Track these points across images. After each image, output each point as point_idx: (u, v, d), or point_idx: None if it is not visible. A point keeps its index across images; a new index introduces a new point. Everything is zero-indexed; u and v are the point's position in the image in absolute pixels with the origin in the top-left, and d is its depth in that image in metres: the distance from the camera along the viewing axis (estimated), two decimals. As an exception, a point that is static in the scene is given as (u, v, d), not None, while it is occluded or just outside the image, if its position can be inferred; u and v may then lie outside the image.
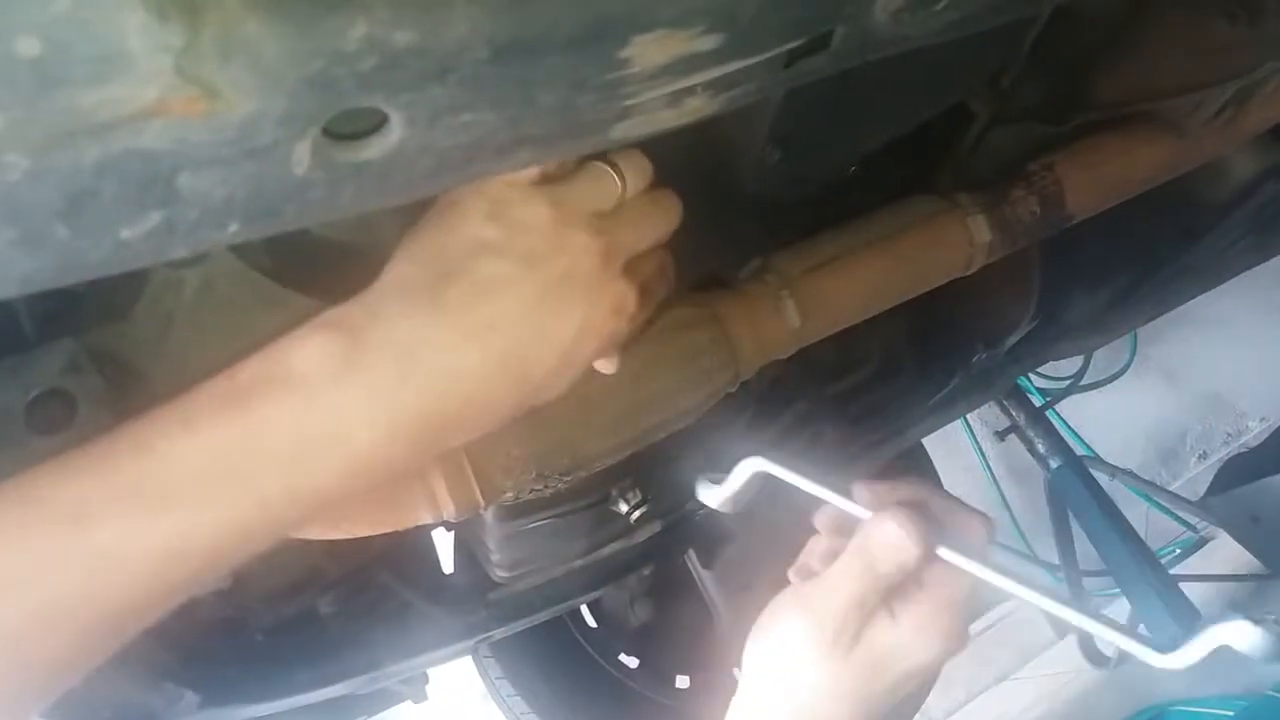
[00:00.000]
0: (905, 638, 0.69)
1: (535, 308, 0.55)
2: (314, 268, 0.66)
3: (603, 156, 0.60)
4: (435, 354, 0.53)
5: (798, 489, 0.73)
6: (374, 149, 0.41)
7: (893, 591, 0.70)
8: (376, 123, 0.40)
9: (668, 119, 0.49)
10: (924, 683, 0.73)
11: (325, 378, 0.51)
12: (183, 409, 0.49)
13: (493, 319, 0.54)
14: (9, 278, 0.40)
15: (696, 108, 0.49)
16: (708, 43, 0.44)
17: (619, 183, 0.60)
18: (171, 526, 0.47)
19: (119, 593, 0.46)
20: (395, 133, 0.41)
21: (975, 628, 3.14)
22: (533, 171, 0.56)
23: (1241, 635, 0.60)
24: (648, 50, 0.43)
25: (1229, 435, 3.20)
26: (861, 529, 0.70)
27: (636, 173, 0.61)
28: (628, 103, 0.46)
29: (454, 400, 0.54)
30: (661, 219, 0.63)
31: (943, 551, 0.69)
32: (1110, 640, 0.65)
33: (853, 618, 0.68)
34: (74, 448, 0.47)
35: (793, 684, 0.70)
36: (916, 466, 1.72)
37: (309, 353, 0.51)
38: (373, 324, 0.52)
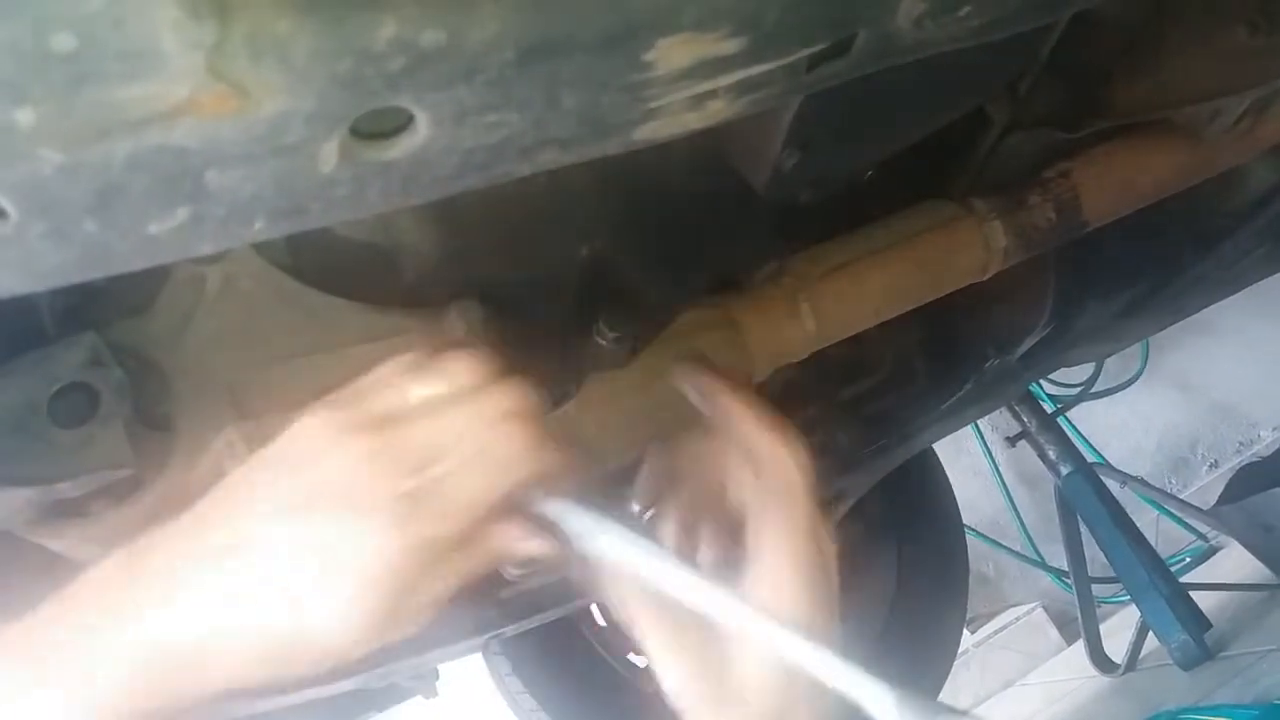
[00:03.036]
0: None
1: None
2: (334, 266, 0.67)
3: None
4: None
5: None
6: (400, 148, 0.42)
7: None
8: (403, 122, 0.41)
9: (690, 121, 0.49)
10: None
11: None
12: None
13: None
14: (38, 271, 0.40)
15: (718, 110, 0.50)
16: (731, 46, 0.44)
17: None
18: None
19: None
20: (421, 132, 0.41)
21: (982, 633, 3.14)
22: None
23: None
24: (672, 53, 0.43)
25: (1240, 444, 3.19)
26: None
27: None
28: (651, 105, 0.46)
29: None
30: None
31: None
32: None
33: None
34: None
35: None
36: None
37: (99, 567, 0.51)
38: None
